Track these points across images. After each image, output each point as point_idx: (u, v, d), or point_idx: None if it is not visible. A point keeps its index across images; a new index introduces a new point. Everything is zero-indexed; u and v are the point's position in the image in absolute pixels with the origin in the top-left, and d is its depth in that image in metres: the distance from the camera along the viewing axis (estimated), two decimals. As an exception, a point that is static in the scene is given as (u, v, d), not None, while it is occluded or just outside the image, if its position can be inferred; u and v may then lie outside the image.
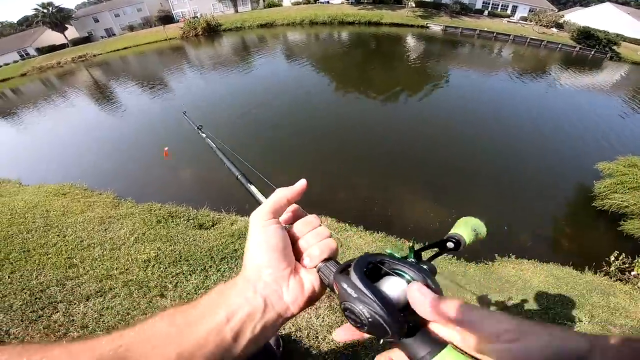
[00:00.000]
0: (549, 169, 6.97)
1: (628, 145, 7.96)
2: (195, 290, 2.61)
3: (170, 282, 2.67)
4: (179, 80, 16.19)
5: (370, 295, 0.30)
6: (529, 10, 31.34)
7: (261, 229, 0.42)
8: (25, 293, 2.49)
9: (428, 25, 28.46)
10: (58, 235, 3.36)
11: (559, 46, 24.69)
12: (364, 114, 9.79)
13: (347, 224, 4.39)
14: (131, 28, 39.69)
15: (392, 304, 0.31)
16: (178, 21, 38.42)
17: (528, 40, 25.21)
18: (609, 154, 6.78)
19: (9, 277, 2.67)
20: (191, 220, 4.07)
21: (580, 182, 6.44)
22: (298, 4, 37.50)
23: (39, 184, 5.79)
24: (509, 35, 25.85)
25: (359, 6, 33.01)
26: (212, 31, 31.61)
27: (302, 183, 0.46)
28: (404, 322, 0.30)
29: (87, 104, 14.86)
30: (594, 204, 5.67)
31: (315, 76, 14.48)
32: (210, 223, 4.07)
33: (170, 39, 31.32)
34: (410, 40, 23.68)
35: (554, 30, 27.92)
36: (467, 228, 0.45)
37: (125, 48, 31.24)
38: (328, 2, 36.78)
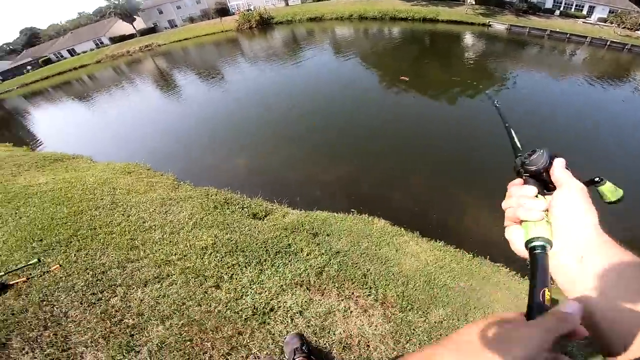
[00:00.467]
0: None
1: None
2: (250, 284, 2.56)
3: (226, 273, 2.64)
4: (234, 71, 16.90)
5: None
6: (609, 12, 27.43)
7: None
8: (88, 274, 2.59)
9: (490, 23, 26.19)
10: (122, 215, 3.54)
11: None
12: (418, 112, 9.31)
13: (402, 228, 4.15)
14: (191, 20, 42.23)
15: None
16: (233, 13, 39.97)
17: (608, 43, 22.02)
18: None
19: (75, 255, 2.82)
20: (245, 209, 4.11)
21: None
22: (347, -3, 36.86)
23: (107, 161, 6.36)
24: (586, 37, 22.80)
25: (413, 2, 31.46)
26: (264, 24, 32.45)
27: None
28: None
29: (151, 91, 16.22)
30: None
31: (365, 72, 14.12)
32: (264, 213, 4.07)
33: (226, 30, 32.80)
34: (470, 39, 22.02)
35: None
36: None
37: (186, 39, 33.42)
38: (380, -3, 35.62)
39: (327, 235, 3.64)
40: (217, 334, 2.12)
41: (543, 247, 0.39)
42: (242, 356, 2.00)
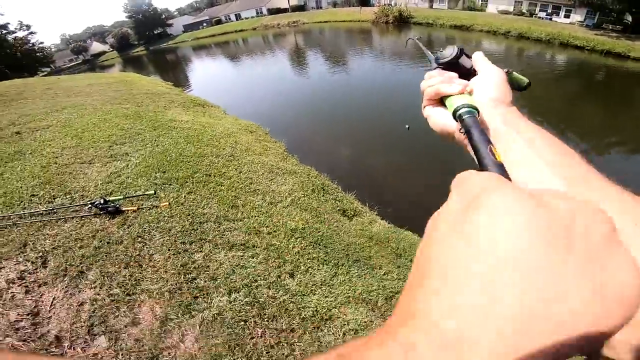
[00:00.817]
0: None
1: None
2: (321, 284, 2.47)
3: (304, 264, 2.61)
4: (357, 62, 17.04)
5: None
6: None
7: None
8: (187, 220, 2.82)
9: None
10: (236, 170, 3.91)
11: None
12: None
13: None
14: (334, 4, 44.52)
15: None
16: (373, 5, 40.19)
17: None
18: None
19: (185, 197, 3.18)
20: (338, 202, 4.10)
21: None
22: (507, 13, 32.18)
23: (236, 117, 7.30)
24: None
25: (598, 31, 25.30)
26: (402, 21, 31.57)
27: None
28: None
29: (285, 63, 18.17)
30: None
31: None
32: (352, 212, 3.98)
33: (363, 21, 33.35)
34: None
35: None
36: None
37: (325, 22, 35.57)
38: (550, 19, 29.88)
39: (411, 260, 3.26)
40: (272, 323, 2.09)
41: (472, 113, 0.39)
42: (284, 353, 1.93)
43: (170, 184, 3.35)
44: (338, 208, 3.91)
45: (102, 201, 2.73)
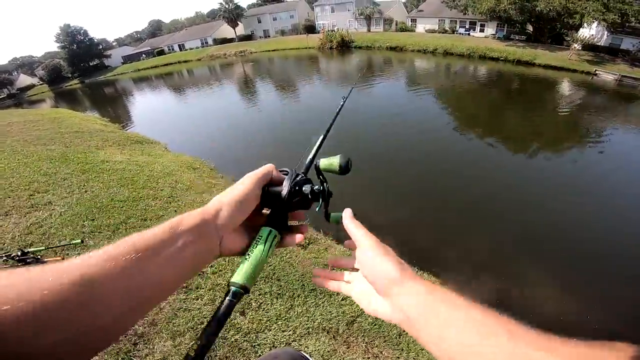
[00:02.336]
0: None
1: None
2: (276, 318, 2.39)
3: (255, 300, 2.51)
4: (306, 88, 17.61)
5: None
6: None
7: (248, 186, 0.50)
8: None
9: (597, 72, 23.02)
10: (176, 211, 3.69)
11: None
12: (487, 162, 8.37)
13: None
14: (282, 32, 46.24)
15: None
16: (319, 32, 42.57)
17: None
18: None
19: None
20: None
21: None
22: (433, 32, 36.28)
23: (178, 153, 6.96)
24: None
25: (508, 42, 29.51)
26: (344, 46, 33.76)
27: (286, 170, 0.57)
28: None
29: (233, 95, 17.89)
30: None
31: (438, 110, 13.43)
32: (307, 241, 3.91)
33: (309, 47, 34.95)
34: (567, 88, 19.59)
35: None
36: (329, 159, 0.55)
37: (274, 50, 36.57)
38: (469, 34, 34.29)
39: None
40: (224, 364, 2.00)
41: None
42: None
43: (100, 232, 3.11)
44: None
45: (19, 253, 2.43)
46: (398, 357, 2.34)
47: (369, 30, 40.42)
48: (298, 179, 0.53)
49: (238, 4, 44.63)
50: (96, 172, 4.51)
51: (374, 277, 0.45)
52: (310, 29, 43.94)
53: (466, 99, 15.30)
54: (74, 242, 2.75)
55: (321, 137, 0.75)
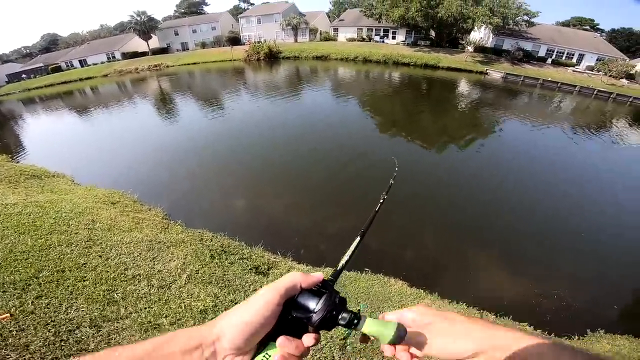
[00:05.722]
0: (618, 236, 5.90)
1: None
2: None
3: None
4: (234, 103, 16.91)
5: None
6: (597, 59, 29.29)
7: (264, 306, 0.42)
8: (49, 330, 2.19)
9: (487, 71, 27.74)
10: (100, 256, 3.17)
11: (630, 99, 22.37)
12: (410, 162, 9.15)
13: (421, 290, 3.90)
14: (203, 45, 43.98)
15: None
16: (244, 44, 41.83)
17: (595, 92, 23.35)
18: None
19: (33, 303, 2.42)
20: (246, 260, 3.78)
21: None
22: (353, 40, 39.10)
23: (90, 185, 5.93)
24: (575, 86, 24.18)
25: (416, 48, 33.45)
26: (272, 57, 33.87)
27: (319, 277, 0.49)
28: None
29: (149, 113, 16.03)
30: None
31: (361, 115, 14.37)
32: (266, 267, 3.74)
33: (235, 60, 34.01)
34: (465, 86, 23.12)
35: (624, 81, 25.38)
36: (379, 326, 0.46)
37: (194, 63, 34.50)
38: (383, 42, 37.87)
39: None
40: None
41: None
42: None
43: (4, 291, 2.51)
44: (249, 267, 3.62)
45: None
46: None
47: (296, 41, 41.35)
48: (336, 301, 0.46)
49: (152, 16, 41.10)
50: (-20, 222, 3.60)
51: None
52: (235, 40, 42.94)
53: (385, 104, 16.71)
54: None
55: (358, 238, 0.68)
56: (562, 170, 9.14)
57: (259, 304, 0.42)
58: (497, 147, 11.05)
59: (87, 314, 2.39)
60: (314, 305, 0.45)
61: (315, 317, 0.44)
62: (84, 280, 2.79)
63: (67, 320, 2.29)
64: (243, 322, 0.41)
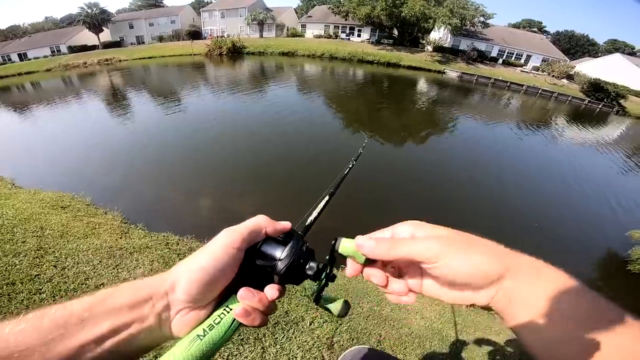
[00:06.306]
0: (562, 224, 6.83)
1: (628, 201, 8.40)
2: None
3: (221, 356, 2.11)
4: (192, 98, 16.24)
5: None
6: (542, 60, 32.33)
7: (223, 249, 0.38)
8: None
9: (445, 70, 29.35)
10: (55, 266, 2.95)
11: (569, 98, 25.19)
12: (372, 156, 9.27)
13: None
14: (160, 39, 41.50)
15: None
16: (206, 38, 40.12)
17: (540, 92, 25.86)
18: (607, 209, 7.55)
19: None
20: None
21: (606, 244, 6.40)
22: (320, 37, 39.28)
23: (34, 188, 5.39)
24: (522, 85, 26.51)
25: (380, 46, 34.44)
26: (236, 52, 32.91)
27: (286, 225, 0.45)
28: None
29: (99, 110, 14.75)
30: (628, 268, 5.54)
31: (326, 111, 14.53)
32: None
33: (195, 54, 32.54)
34: (424, 85, 24.32)
35: (565, 81, 28.27)
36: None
37: (150, 57, 32.42)
38: (349, 39, 38.50)
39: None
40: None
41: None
42: None
43: None
44: None
45: None
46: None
47: (261, 36, 40.51)
48: (303, 249, 0.43)
49: (105, 8, 37.88)
50: None
51: (470, 280, 0.36)
52: (196, 34, 41.05)
53: (350, 102, 17.12)
54: None
55: (327, 197, 0.65)
56: (509, 163, 10.22)
57: (218, 247, 0.38)
58: (451, 142, 11.89)
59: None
60: (280, 253, 0.41)
61: (280, 265, 0.40)
62: (40, 293, 2.61)
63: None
64: (200, 267, 0.37)
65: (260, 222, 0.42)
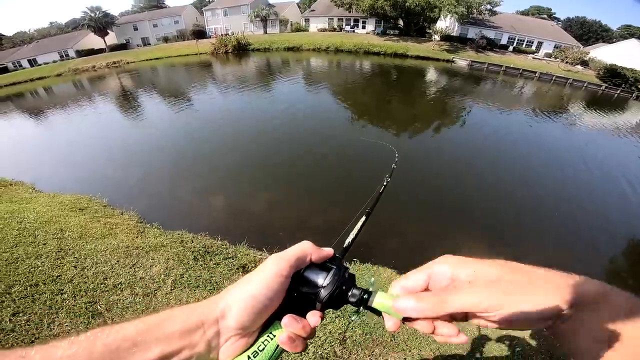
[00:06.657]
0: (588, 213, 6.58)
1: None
2: None
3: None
4: (203, 98, 16.28)
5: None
6: (554, 47, 31.25)
7: (273, 277, 0.38)
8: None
9: (454, 59, 28.64)
10: (75, 267, 3.00)
11: (585, 84, 24.39)
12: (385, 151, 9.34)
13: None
14: (166, 39, 41.71)
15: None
16: (210, 37, 40.12)
17: (554, 78, 25.04)
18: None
19: (10, 320, 2.27)
20: (231, 260, 3.64)
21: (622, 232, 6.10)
22: (324, 30, 38.80)
23: (53, 192, 5.51)
24: (535, 72, 25.72)
25: (385, 37, 33.83)
26: (241, 49, 32.86)
27: (330, 252, 0.45)
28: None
29: (111, 112, 14.97)
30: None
31: (335, 105, 14.37)
32: (253, 264, 3.64)
33: (201, 53, 32.60)
34: (434, 74, 23.79)
35: (579, 67, 27.44)
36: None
37: (157, 58, 32.67)
38: (354, 32, 37.93)
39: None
40: None
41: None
42: None
43: None
44: (235, 266, 3.51)
45: None
46: (404, 358, 2.41)
47: (265, 32, 40.26)
48: (346, 276, 0.43)
49: (107, 11, 38.16)
50: None
51: (532, 320, 0.33)
52: (200, 34, 41.09)
53: (357, 94, 16.85)
54: None
55: (363, 217, 0.65)
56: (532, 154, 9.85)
57: (268, 275, 0.38)
58: (467, 132, 11.59)
59: (72, 328, 2.28)
60: (322, 280, 0.41)
61: (323, 292, 0.40)
62: (62, 293, 2.65)
63: (52, 337, 2.18)
64: (251, 295, 0.37)
65: (306, 249, 0.43)
